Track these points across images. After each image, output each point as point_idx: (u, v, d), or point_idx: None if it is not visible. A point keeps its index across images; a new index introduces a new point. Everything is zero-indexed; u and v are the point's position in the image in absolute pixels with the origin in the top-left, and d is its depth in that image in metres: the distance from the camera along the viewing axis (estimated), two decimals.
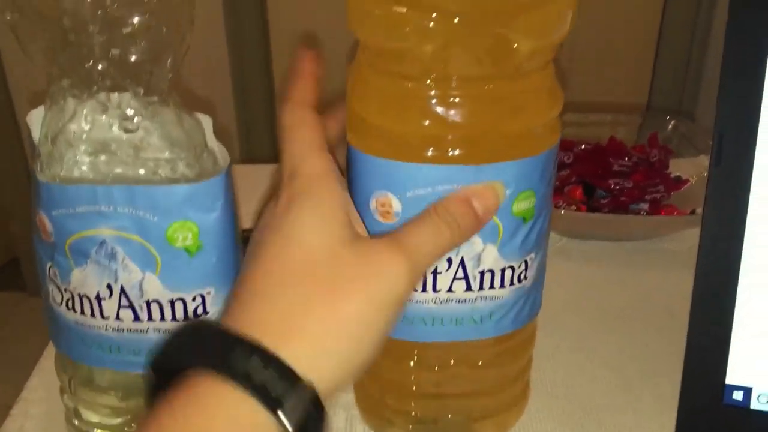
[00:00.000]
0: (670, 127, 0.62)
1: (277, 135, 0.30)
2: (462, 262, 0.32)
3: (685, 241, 0.54)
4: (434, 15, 0.28)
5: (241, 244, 0.33)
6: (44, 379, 0.42)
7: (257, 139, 1.30)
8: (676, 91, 1.28)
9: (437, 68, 0.29)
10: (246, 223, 0.34)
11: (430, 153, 0.31)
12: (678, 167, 0.59)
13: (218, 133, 0.32)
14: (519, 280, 0.34)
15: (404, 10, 0.28)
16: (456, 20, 0.28)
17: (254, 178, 0.67)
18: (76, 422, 0.36)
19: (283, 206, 0.28)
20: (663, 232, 0.54)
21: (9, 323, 1.37)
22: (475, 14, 0.28)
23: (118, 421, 0.35)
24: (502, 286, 0.33)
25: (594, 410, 0.41)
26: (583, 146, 0.60)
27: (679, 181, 0.57)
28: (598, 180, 0.57)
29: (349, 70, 0.33)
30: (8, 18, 0.27)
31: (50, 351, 0.41)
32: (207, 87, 1.22)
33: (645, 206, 0.55)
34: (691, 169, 0.58)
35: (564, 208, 0.54)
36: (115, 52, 0.26)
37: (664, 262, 0.53)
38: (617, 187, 0.56)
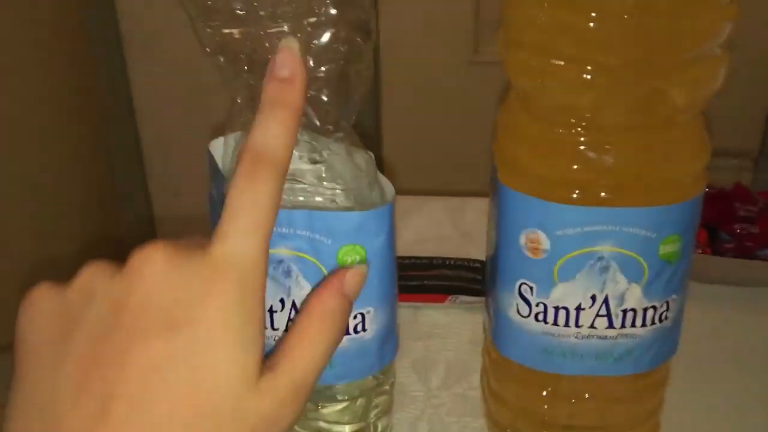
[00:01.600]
0: None
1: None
2: (606, 300, 0.34)
3: None
4: (591, 68, 0.30)
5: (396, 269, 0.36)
6: None
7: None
8: None
9: (590, 118, 0.31)
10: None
11: (579, 195, 0.33)
12: None
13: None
14: (660, 320, 0.35)
15: (562, 63, 0.30)
16: (613, 74, 0.30)
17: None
18: None
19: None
20: None
21: None
22: (633, 68, 0.30)
23: None
24: (643, 325, 0.35)
25: None
26: (707, 190, 0.60)
27: None
28: (721, 224, 0.57)
29: (500, 109, 0.36)
30: (221, 60, 0.30)
31: None
32: None
33: None
34: None
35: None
36: (309, 93, 0.29)
37: None
38: (743, 232, 0.56)
